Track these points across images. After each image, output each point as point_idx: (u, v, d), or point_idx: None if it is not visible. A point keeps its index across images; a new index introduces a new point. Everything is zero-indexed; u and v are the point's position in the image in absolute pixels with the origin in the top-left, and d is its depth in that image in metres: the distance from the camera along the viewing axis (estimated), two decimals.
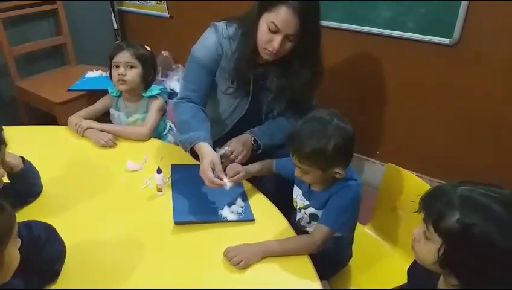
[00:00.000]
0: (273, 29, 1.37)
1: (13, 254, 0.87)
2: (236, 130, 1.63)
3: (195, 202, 1.35)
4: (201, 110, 1.55)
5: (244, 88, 1.56)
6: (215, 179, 1.28)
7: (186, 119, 1.49)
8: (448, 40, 2.01)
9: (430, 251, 0.85)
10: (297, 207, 1.36)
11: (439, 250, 0.82)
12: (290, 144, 1.21)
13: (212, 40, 1.54)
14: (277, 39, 1.38)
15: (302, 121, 1.21)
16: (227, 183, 1.29)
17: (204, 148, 1.37)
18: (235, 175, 1.33)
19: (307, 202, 1.31)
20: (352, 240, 1.44)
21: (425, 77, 2.18)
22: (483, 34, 1.95)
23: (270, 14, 1.37)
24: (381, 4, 2.13)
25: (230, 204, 1.31)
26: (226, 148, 1.46)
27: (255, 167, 1.41)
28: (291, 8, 1.33)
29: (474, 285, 0.82)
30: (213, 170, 1.30)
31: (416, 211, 0.89)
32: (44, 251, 0.99)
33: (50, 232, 1.05)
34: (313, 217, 1.31)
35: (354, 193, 1.22)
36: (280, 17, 1.35)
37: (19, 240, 0.90)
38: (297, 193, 1.36)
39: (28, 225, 0.99)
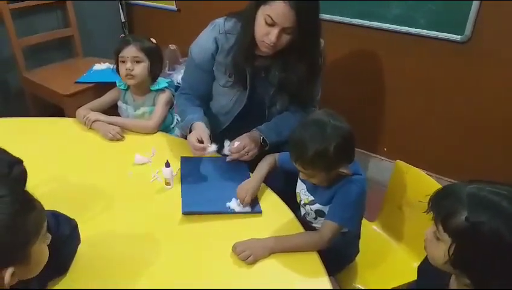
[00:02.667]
0: (270, 22, 1.37)
1: (42, 250, 0.87)
2: (239, 123, 1.65)
3: (203, 193, 1.36)
4: (195, 100, 1.65)
5: (241, 81, 1.57)
6: (197, 144, 1.39)
7: (182, 109, 1.63)
8: (459, 37, 1.99)
9: (440, 250, 0.84)
10: (301, 202, 1.36)
11: (449, 249, 0.82)
12: (290, 150, 1.21)
13: (207, 38, 1.57)
14: (274, 32, 1.38)
15: (300, 126, 1.20)
16: (210, 147, 1.39)
17: (198, 125, 1.49)
18: (246, 195, 1.30)
19: (311, 197, 1.31)
20: (359, 235, 1.44)
21: (435, 74, 2.16)
22: (496, 31, 1.92)
23: (266, 7, 1.37)
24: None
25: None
26: (237, 143, 1.46)
27: (262, 173, 1.38)
28: (287, 1, 1.33)
29: (486, 284, 0.81)
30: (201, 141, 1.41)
31: (425, 211, 0.88)
32: (64, 248, 0.99)
33: (72, 227, 1.05)
34: (319, 213, 1.30)
35: (359, 187, 1.22)
36: (276, 10, 1.35)
37: (49, 235, 0.89)
38: (300, 188, 1.36)
39: (56, 215, 0.99)
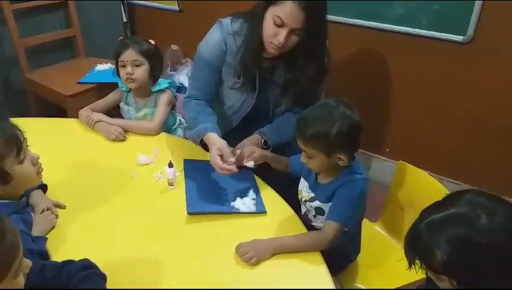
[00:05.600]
0: (279, 23, 1.37)
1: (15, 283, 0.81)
2: (244, 125, 1.64)
3: (208, 193, 1.36)
4: (207, 105, 1.58)
5: (250, 83, 1.56)
6: (225, 165, 1.32)
7: (193, 116, 1.55)
8: (462, 37, 1.98)
9: (449, 287, 0.84)
10: (302, 199, 1.36)
11: (452, 284, 0.83)
12: (296, 127, 1.23)
13: (216, 37, 1.55)
14: (282, 33, 1.38)
15: (311, 107, 1.25)
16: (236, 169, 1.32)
17: (212, 137, 1.43)
18: (250, 155, 1.38)
19: (312, 194, 1.32)
20: (360, 235, 1.44)
21: (437, 74, 2.16)
22: (498, 32, 1.92)
23: (275, 7, 1.37)
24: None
25: (242, 196, 1.33)
26: (238, 151, 1.46)
27: (270, 154, 1.45)
28: (296, 2, 1.33)
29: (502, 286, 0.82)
30: (221, 156, 1.34)
31: (408, 269, 0.89)
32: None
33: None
34: (318, 211, 1.31)
35: (359, 187, 1.23)
36: (286, 11, 1.35)
37: (29, 264, 0.85)
38: (303, 185, 1.36)
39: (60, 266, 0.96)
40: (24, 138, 1.09)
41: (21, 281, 0.83)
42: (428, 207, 0.89)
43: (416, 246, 0.85)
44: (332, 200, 1.24)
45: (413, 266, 0.88)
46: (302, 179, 1.37)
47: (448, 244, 0.79)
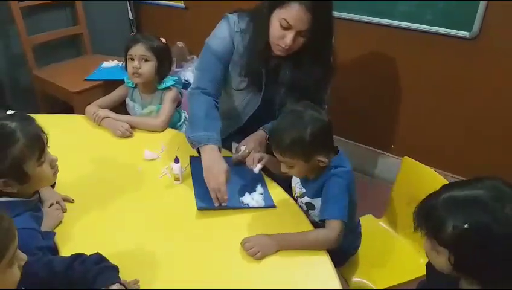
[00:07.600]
0: (285, 26, 1.36)
1: (9, 274, 0.81)
2: (250, 125, 1.63)
3: None
4: (215, 106, 1.52)
5: (256, 83, 1.55)
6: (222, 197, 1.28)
7: (200, 116, 1.46)
8: (467, 33, 1.98)
9: (442, 261, 0.86)
10: (295, 196, 1.38)
11: (449, 259, 0.84)
12: (270, 140, 1.24)
13: (225, 33, 1.53)
14: (289, 36, 1.37)
15: (279, 117, 1.25)
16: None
17: (213, 153, 1.35)
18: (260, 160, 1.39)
19: (303, 190, 1.33)
20: (358, 228, 1.45)
21: (443, 70, 2.15)
22: (504, 28, 1.91)
23: (281, 10, 1.36)
24: None
25: (250, 191, 1.34)
26: (243, 147, 1.46)
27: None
28: (303, 4, 1.32)
29: (494, 283, 0.83)
30: None
31: (414, 231, 0.91)
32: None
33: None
34: (309, 206, 1.32)
35: (343, 179, 1.24)
36: (292, 13, 1.34)
37: (24, 257, 0.85)
38: (295, 182, 1.38)
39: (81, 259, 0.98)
40: (47, 140, 1.10)
41: (16, 272, 0.82)
42: (450, 183, 0.90)
43: (430, 215, 0.86)
44: (321, 199, 1.25)
45: (418, 230, 0.90)
46: (293, 177, 1.38)
47: (463, 221, 0.80)
